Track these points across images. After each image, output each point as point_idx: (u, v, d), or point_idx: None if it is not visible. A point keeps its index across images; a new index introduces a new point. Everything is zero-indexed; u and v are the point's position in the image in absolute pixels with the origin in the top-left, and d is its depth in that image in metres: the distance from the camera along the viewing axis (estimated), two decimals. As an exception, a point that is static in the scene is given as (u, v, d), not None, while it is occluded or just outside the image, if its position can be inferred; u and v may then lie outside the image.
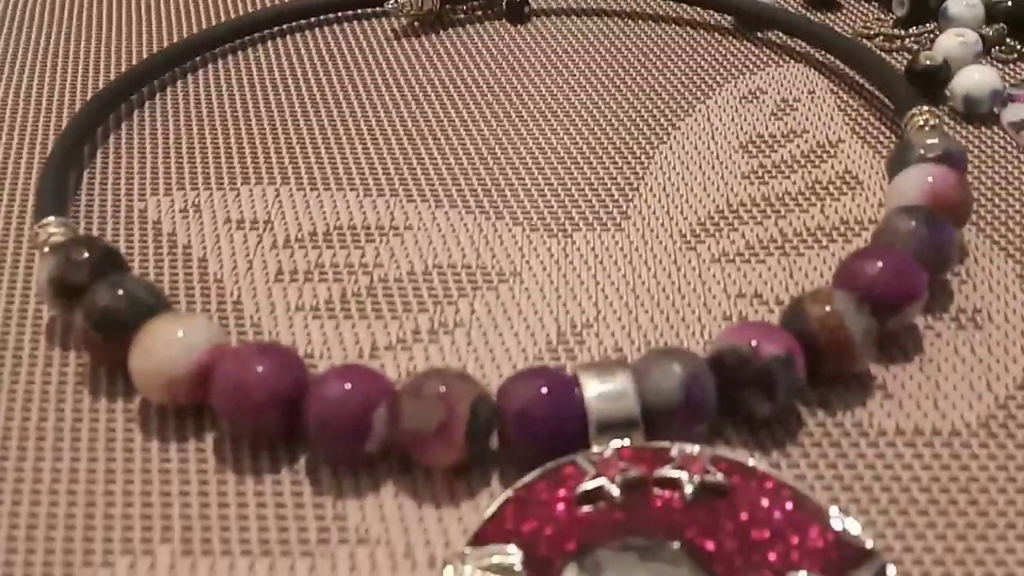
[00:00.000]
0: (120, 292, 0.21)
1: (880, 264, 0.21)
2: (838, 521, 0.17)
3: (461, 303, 0.24)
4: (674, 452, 0.18)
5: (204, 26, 0.36)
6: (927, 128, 0.26)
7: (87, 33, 0.35)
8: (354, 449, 0.19)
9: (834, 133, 0.29)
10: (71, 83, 0.32)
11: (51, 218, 0.24)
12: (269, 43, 0.34)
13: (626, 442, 0.18)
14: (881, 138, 0.29)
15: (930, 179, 0.24)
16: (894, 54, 0.34)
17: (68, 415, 0.21)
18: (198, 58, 0.33)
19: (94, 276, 0.22)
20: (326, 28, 0.35)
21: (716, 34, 0.35)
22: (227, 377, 0.19)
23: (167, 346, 0.20)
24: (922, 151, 0.25)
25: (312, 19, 0.36)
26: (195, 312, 0.23)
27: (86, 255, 0.22)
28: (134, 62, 0.33)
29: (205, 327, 0.20)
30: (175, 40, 0.35)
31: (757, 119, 0.30)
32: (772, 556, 0.17)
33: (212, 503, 0.19)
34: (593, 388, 0.19)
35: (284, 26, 0.35)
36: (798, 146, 0.29)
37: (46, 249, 0.23)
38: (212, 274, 0.25)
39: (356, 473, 0.20)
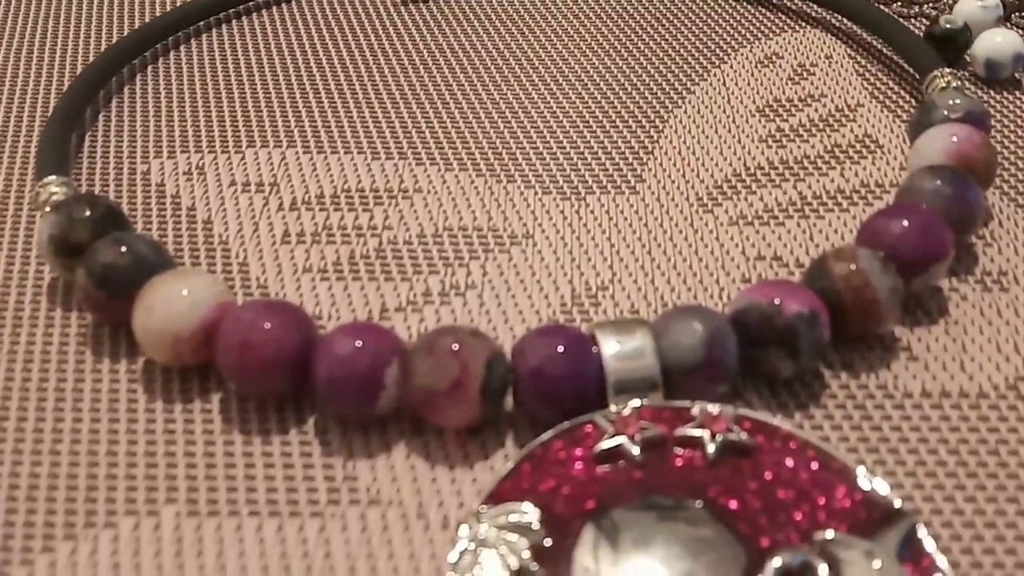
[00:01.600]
0: (123, 249, 0.20)
1: (905, 222, 0.21)
2: (865, 481, 0.17)
3: (472, 265, 0.23)
4: (695, 411, 0.18)
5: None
6: (949, 89, 0.26)
7: (89, -2, 0.35)
8: (364, 408, 0.18)
9: (852, 97, 0.29)
10: (74, 45, 0.32)
11: (52, 177, 0.23)
12: (275, 7, 0.34)
13: (645, 401, 0.18)
14: (901, 103, 0.29)
15: (954, 139, 0.23)
16: (912, 20, 0.33)
17: (70, 375, 0.20)
18: (203, 22, 0.32)
19: (96, 234, 0.21)
20: (332, -7, 0.35)
21: None
22: (233, 335, 0.19)
23: (171, 304, 0.19)
24: (945, 112, 0.24)
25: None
26: (199, 268, 0.23)
27: (88, 213, 0.21)
28: (138, 24, 0.33)
29: (210, 284, 0.20)
30: (180, 2, 0.34)
31: (774, 83, 0.29)
32: (798, 516, 0.16)
33: (219, 464, 0.18)
34: (611, 346, 0.19)
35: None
36: (816, 110, 0.28)
37: (47, 208, 0.23)
38: (217, 236, 0.24)
39: (367, 433, 0.19)
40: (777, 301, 0.19)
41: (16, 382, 0.20)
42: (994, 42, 0.29)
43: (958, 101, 0.25)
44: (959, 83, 0.26)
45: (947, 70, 0.26)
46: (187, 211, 0.25)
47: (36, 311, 0.22)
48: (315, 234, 0.24)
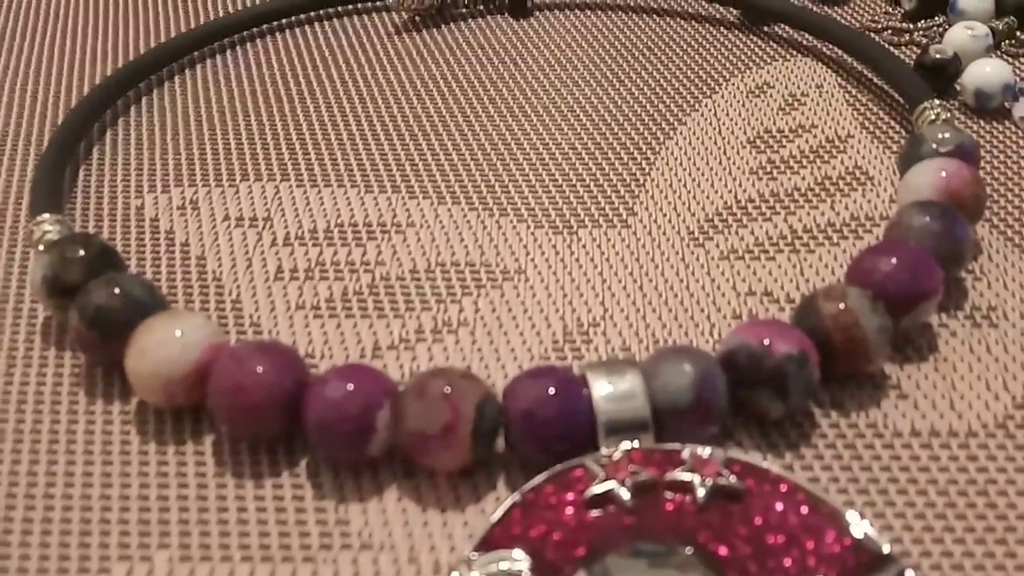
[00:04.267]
0: (116, 290, 0.21)
1: (894, 260, 0.21)
2: (855, 525, 0.17)
3: (465, 301, 0.23)
4: (685, 454, 0.18)
5: (203, 21, 0.35)
6: (939, 122, 0.26)
7: (84, 28, 0.35)
8: (356, 451, 0.19)
9: (843, 128, 0.29)
10: (67, 78, 0.32)
11: (46, 215, 0.23)
12: (268, 38, 0.34)
13: (636, 444, 0.18)
14: (891, 133, 0.29)
15: (943, 174, 0.23)
16: (902, 48, 0.33)
17: (63, 417, 0.20)
18: (196, 53, 0.33)
19: (89, 274, 0.21)
20: (326, 23, 0.35)
21: (721, 28, 0.34)
22: (225, 377, 0.19)
23: (164, 346, 0.19)
24: (934, 145, 0.25)
25: (312, 14, 0.35)
26: (193, 310, 0.23)
27: (81, 253, 0.21)
28: (131, 57, 0.33)
29: (203, 326, 0.20)
30: (173, 35, 0.34)
31: (764, 114, 0.30)
32: (787, 562, 0.16)
33: (211, 507, 0.19)
34: (602, 388, 0.19)
35: (283, 21, 0.35)
36: (807, 141, 0.28)
37: (40, 247, 0.23)
38: (211, 272, 0.24)
39: (358, 476, 0.19)
40: (767, 342, 0.19)
41: (10, 423, 0.20)
42: (983, 72, 0.29)
43: (948, 135, 0.25)
44: (949, 115, 0.26)
45: (937, 102, 0.26)
46: (180, 247, 0.25)
47: (30, 350, 0.22)
48: (308, 270, 0.24)
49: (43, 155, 0.26)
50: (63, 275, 0.21)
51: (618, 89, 0.31)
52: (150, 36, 0.34)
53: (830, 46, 0.32)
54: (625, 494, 0.17)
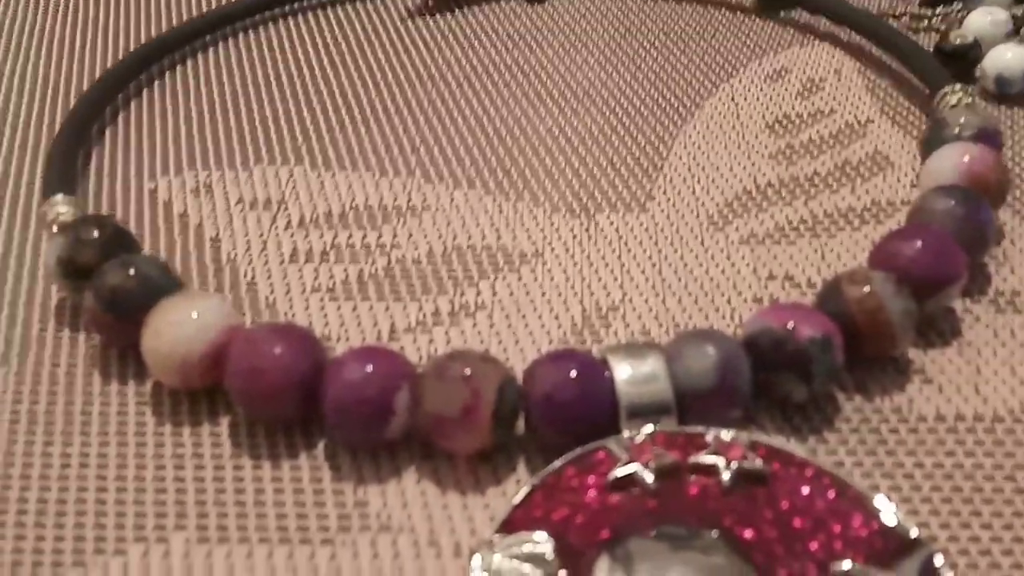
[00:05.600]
0: (131, 271, 0.20)
1: (919, 244, 0.21)
2: (882, 509, 0.16)
3: (482, 285, 0.23)
4: (709, 437, 0.17)
5: (215, 5, 0.35)
6: (960, 106, 0.26)
7: (97, 10, 0.35)
8: (374, 434, 0.18)
9: (863, 113, 0.29)
10: (80, 61, 0.32)
11: (59, 196, 0.23)
12: (282, 22, 0.34)
13: (659, 427, 0.18)
14: (911, 118, 0.28)
15: (966, 158, 0.23)
16: (921, 34, 0.33)
17: (78, 399, 0.20)
18: (209, 36, 0.32)
19: (104, 256, 0.21)
20: (340, 7, 0.35)
21: (738, 13, 0.34)
22: (242, 359, 0.19)
23: (180, 327, 0.19)
24: (957, 129, 0.24)
25: (325, -2, 0.35)
26: (209, 291, 0.23)
27: (96, 234, 0.21)
28: (144, 40, 0.33)
29: (219, 307, 0.20)
30: (187, 18, 0.34)
31: (783, 99, 0.29)
32: (814, 546, 0.16)
33: (228, 489, 0.18)
34: (623, 371, 0.18)
35: (297, 4, 0.34)
36: (826, 126, 0.28)
37: (54, 228, 0.23)
38: (225, 254, 0.24)
39: (376, 458, 0.19)
40: (790, 325, 0.19)
41: (24, 404, 0.20)
42: (1004, 58, 0.29)
43: (970, 119, 0.24)
44: (970, 100, 0.26)
45: (958, 86, 0.26)
46: (195, 229, 0.25)
47: (44, 332, 0.22)
48: (324, 253, 0.24)
49: (56, 137, 0.26)
50: (77, 257, 0.21)
51: (634, 73, 0.31)
52: (163, 19, 0.34)
53: (848, 31, 0.32)
54: (648, 477, 0.17)
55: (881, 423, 0.19)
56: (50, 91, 0.30)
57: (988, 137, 0.24)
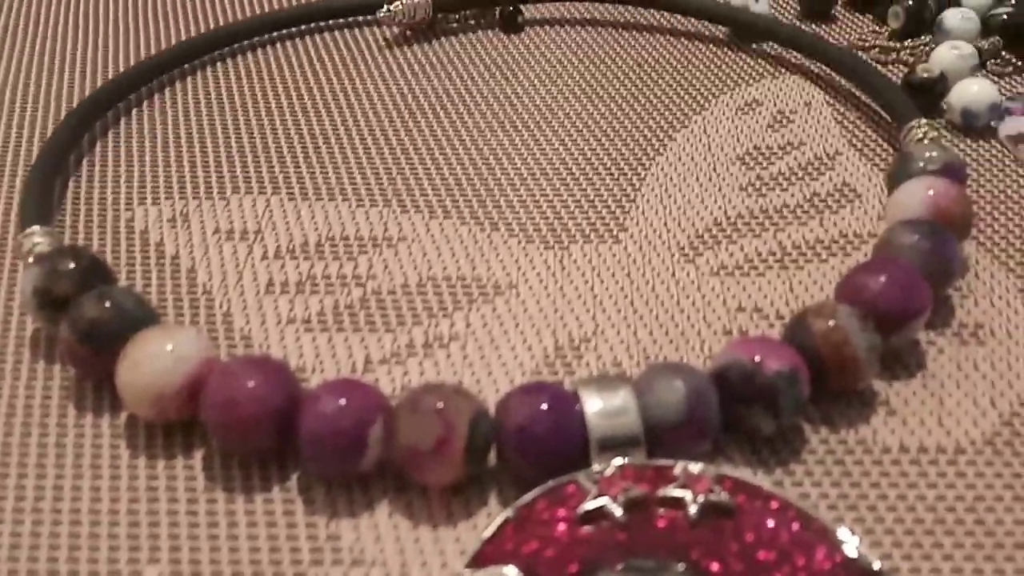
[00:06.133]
0: (107, 304, 0.20)
1: (884, 278, 0.21)
2: (846, 542, 0.17)
3: (456, 316, 0.23)
4: (677, 470, 0.18)
5: (193, 33, 0.35)
6: (926, 140, 0.26)
7: (74, 39, 0.35)
8: (348, 466, 0.19)
9: (831, 145, 0.29)
10: (57, 89, 0.32)
11: (35, 227, 0.23)
12: (259, 51, 0.34)
13: (628, 460, 0.18)
14: (878, 150, 0.29)
15: (931, 192, 0.24)
16: (889, 66, 0.34)
17: (52, 431, 0.20)
18: (187, 65, 0.33)
19: (80, 287, 0.21)
20: (317, 36, 0.35)
21: (711, 45, 0.35)
22: (218, 391, 0.19)
23: (156, 360, 0.19)
24: (922, 163, 0.25)
25: (303, 27, 0.35)
26: (184, 324, 0.23)
27: (72, 265, 0.21)
28: (121, 68, 0.33)
29: (195, 340, 0.20)
30: (164, 46, 0.34)
31: (753, 131, 0.30)
32: (779, 578, 0.16)
33: (201, 523, 0.18)
34: (594, 404, 0.19)
35: (275, 33, 0.35)
36: (795, 158, 0.29)
37: (30, 259, 0.23)
38: (201, 285, 0.24)
39: (350, 491, 0.19)
40: (758, 359, 0.19)
41: (-2, 437, 0.20)
42: (970, 92, 0.30)
43: (935, 153, 0.25)
44: (936, 134, 0.26)
45: (924, 120, 0.27)
46: (171, 259, 0.25)
47: (19, 363, 0.22)
48: (299, 283, 0.24)
49: (32, 167, 0.26)
50: (54, 288, 0.21)
51: (608, 105, 0.31)
52: (139, 48, 0.34)
53: (818, 64, 0.33)
54: (617, 510, 0.17)
55: (846, 455, 0.20)
56: (27, 121, 0.30)
57: (953, 171, 0.25)
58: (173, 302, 0.24)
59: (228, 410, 0.19)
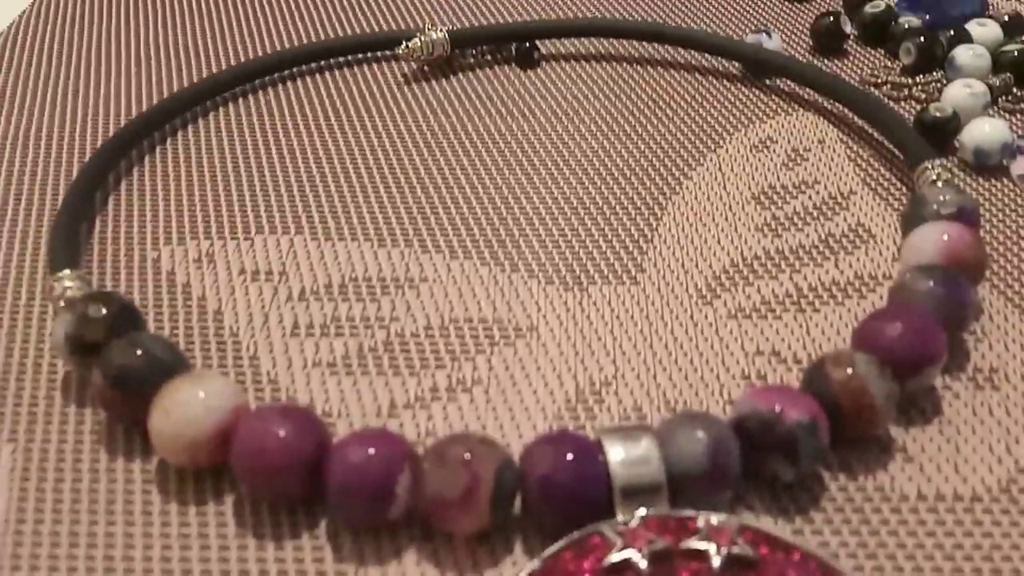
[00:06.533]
0: (138, 351, 0.21)
1: (900, 325, 0.21)
2: (866, 594, 0.17)
3: (478, 359, 0.24)
4: (700, 522, 0.18)
5: (213, 71, 0.36)
6: (939, 183, 0.27)
7: (97, 78, 0.35)
8: (376, 515, 0.19)
9: (845, 184, 0.30)
10: (81, 130, 0.32)
11: (66, 271, 0.24)
12: (280, 86, 0.34)
13: (652, 511, 0.18)
14: (892, 190, 0.29)
15: (945, 237, 0.24)
16: (901, 102, 0.34)
17: (85, 476, 0.21)
18: (208, 103, 0.33)
19: (111, 333, 0.22)
20: (336, 72, 0.35)
21: (725, 81, 0.35)
22: (248, 440, 0.19)
23: (187, 408, 0.20)
24: (936, 207, 0.25)
25: (323, 63, 0.36)
26: (214, 372, 0.23)
27: (103, 311, 0.22)
28: (145, 108, 0.33)
29: (225, 388, 0.20)
30: (186, 84, 0.35)
31: (768, 169, 0.30)
32: (801, 630, 0.17)
33: (233, 570, 0.19)
34: (617, 453, 0.19)
35: (295, 69, 0.35)
36: (810, 197, 0.29)
37: (61, 303, 0.23)
38: (228, 328, 0.24)
39: (378, 538, 0.19)
40: (778, 408, 0.20)
41: (32, 482, 0.21)
42: (982, 131, 0.30)
43: (949, 197, 0.25)
44: (949, 175, 0.27)
45: (937, 161, 0.27)
46: (197, 301, 0.25)
47: (50, 407, 0.22)
48: (324, 326, 0.25)
49: (60, 209, 0.27)
50: (85, 334, 0.22)
51: (624, 143, 0.32)
52: (162, 87, 0.35)
53: (831, 101, 0.33)
54: (642, 562, 0.17)
55: (865, 502, 0.20)
56: (52, 159, 0.31)
57: (967, 215, 0.25)
58: (200, 344, 0.24)
59: (258, 459, 0.19)
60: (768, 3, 0.41)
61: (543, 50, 0.37)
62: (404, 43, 0.34)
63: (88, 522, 0.20)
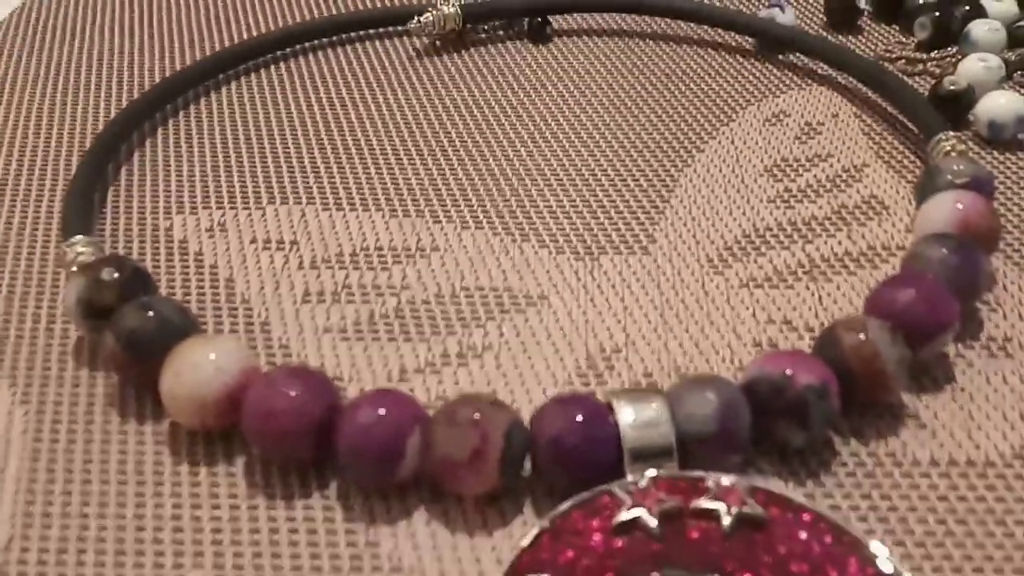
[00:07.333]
0: (150, 313, 0.21)
1: (913, 292, 0.21)
2: (877, 554, 0.17)
3: (489, 326, 0.24)
4: (710, 483, 0.18)
5: (227, 44, 0.36)
6: (953, 153, 0.26)
7: (111, 50, 0.35)
8: (386, 476, 0.19)
9: (859, 157, 0.29)
10: (95, 101, 0.32)
11: (79, 237, 0.24)
12: (291, 61, 0.34)
13: (661, 472, 0.18)
14: (906, 162, 0.29)
15: (959, 206, 0.24)
16: (916, 77, 0.34)
17: (97, 437, 0.21)
18: (221, 76, 0.33)
19: (123, 297, 0.22)
20: (348, 47, 0.35)
21: (738, 56, 0.35)
22: (258, 402, 0.19)
23: (198, 370, 0.20)
24: (950, 177, 0.25)
25: (335, 37, 0.36)
26: (225, 334, 0.23)
27: (115, 275, 0.22)
28: (158, 80, 0.33)
29: (236, 350, 0.20)
30: (199, 58, 0.35)
31: (781, 143, 0.30)
32: (811, 590, 0.17)
33: (243, 529, 0.19)
34: (627, 415, 0.19)
35: (306, 44, 0.35)
36: (823, 170, 0.29)
37: (74, 268, 0.23)
38: (240, 295, 0.24)
39: (387, 499, 0.19)
40: (789, 372, 0.19)
41: (44, 443, 0.21)
42: (997, 104, 0.30)
43: (963, 167, 0.25)
44: (963, 146, 0.27)
45: (951, 133, 0.27)
46: (210, 269, 0.25)
47: (63, 371, 0.22)
48: (335, 293, 0.25)
49: (74, 177, 0.27)
50: (97, 298, 0.22)
51: (636, 116, 0.31)
52: (176, 59, 0.35)
53: (845, 75, 0.33)
54: (652, 521, 0.17)
55: (876, 467, 0.20)
56: (66, 129, 0.31)
57: (981, 185, 0.25)
58: (212, 311, 0.24)
59: (268, 420, 0.19)
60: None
61: (555, 25, 0.36)
62: (416, 18, 0.34)
63: (99, 481, 0.20)
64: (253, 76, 0.33)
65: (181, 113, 0.31)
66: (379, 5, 0.39)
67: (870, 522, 0.19)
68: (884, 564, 0.17)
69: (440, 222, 0.27)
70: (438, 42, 0.35)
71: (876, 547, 0.17)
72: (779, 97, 0.32)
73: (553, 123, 0.31)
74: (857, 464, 0.20)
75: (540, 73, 0.34)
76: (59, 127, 0.31)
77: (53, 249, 0.26)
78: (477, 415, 0.19)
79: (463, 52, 0.35)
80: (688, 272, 0.25)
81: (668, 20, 0.37)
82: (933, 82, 0.33)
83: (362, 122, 0.31)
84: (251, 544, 0.19)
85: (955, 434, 0.21)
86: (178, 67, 0.34)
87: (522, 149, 0.30)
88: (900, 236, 0.26)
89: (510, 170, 0.29)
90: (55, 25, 0.37)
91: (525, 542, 0.17)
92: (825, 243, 0.26)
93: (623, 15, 0.37)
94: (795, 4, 0.39)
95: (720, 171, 0.29)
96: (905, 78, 0.33)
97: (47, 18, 0.38)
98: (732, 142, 0.30)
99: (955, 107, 0.31)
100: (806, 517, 0.18)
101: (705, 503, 0.18)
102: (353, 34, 0.36)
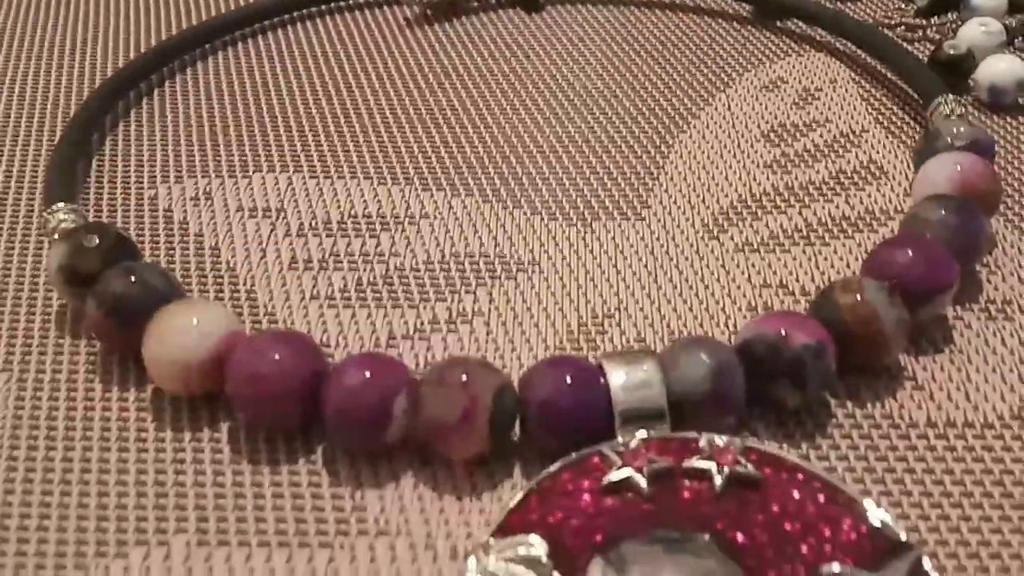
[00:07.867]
0: (133, 279, 0.21)
1: (911, 253, 0.21)
2: (871, 513, 0.17)
3: (479, 292, 0.23)
4: (703, 443, 0.18)
5: (215, 12, 0.35)
6: (953, 116, 0.26)
7: (96, 19, 0.35)
8: (373, 439, 0.19)
9: (857, 123, 0.29)
10: (79, 69, 0.32)
11: (60, 204, 0.23)
12: (280, 30, 0.34)
13: (652, 433, 0.18)
14: (905, 128, 0.29)
15: (959, 167, 0.23)
16: (916, 44, 0.33)
17: (80, 404, 0.20)
18: (208, 45, 0.33)
19: (106, 263, 0.21)
20: (338, 16, 0.35)
21: (735, 23, 0.34)
22: (243, 366, 0.19)
23: (182, 334, 0.19)
24: (950, 139, 0.25)
25: (324, 6, 0.35)
26: (209, 299, 0.23)
27: (97, 241, 0.22)
28: (143, 48, 0.33)
29: (220, 314, 0.20)
30: (186, 26, 0.34)
31: (779, 108, 0.30)
32: (804, 549, 0.16)
33: (228, 493, 0.19)
34: (618, 377, 0.19)
35: (296, 13, 0.35)
36: (821, 135, 0.28)
37: (56, 236, 0.23)
38: (225, 262, 0.24)
39: (375, 463, 0.19)
40: (784, 332, 0.19)
41: (26, 410, 0.20)
42: (998, 68, 0.29)
43: (963, 129, 0.25)
44: (963, 110, 0.26)
45: (951, 97, 0.26)
46: (195, 237, 0.25)
47: (45, 338, 0.22)
48: (322, 260, 0.24)
49: (56, 145, 0.26)
50: (79, 264, 0.21)
51: (631, 83, 0.31)
52: (161, 28, 0.34)
53: (843, 41, 0.32)
54: (642, 481, 0.17)
55: (872, 429, 0.20)
56: (50, 99, 0.30)
57: (981, 147, 0.24)
58: (197, 279, 0.24)
59: (253, 384, 0.19)
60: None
61: (549, -6, 0.36)
62: (407, -14, 0.34)
63: (82, 448, 0.19)
64: (240, 45, 0.33)
65: (167, 82, 0.31)
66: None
67: (866, 483, 0.19)
68: (878, 522, 0.16)
69: (430, 189, 0.27)
70: (429, 11, 0.35)
71: (870, 506, 0.17)
72: (776, 63, 0.32)
73: (546, 90, 0.31)
74: (853, 426, 0.20)
75: (532, 41, 0.33)
76: (43, 96, 0.30)
77: (36, 218, 0.26)
78: (465, 377, 0.18)
79: (455, 21, 0.35)
80: (683, 237, 0.25)
81: (663, -12, 0.36)
82: (933, 48, 0.33)
83: (351, 90, 0.31)
84: (236, 509, 0.18)
85: (952, 395, 0.20)
86: (164, 36, 0.34)
87: (514, 116, 0.29)
88: (899, 200, 0.26)
89: (501, 138, 0.29)
90: (42, -3, 0.37)
91: (513, 503, 0.17)
92: (823, 207, 0.26)
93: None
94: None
95: (716, 137, 0.28)
96: (904, 44, 0.33)
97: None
98: (728, 108, 0.30)
99: (955, 71, 0.30)
100: (800, 477, 0.17)
101: (697, 463, 0.17)
102: (343, 3, 0.35)
